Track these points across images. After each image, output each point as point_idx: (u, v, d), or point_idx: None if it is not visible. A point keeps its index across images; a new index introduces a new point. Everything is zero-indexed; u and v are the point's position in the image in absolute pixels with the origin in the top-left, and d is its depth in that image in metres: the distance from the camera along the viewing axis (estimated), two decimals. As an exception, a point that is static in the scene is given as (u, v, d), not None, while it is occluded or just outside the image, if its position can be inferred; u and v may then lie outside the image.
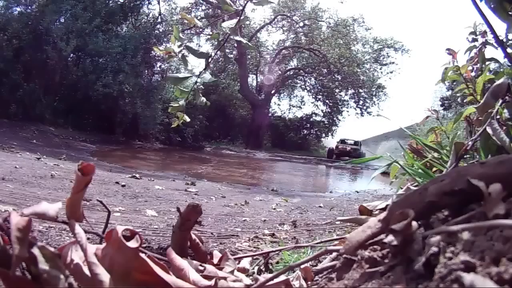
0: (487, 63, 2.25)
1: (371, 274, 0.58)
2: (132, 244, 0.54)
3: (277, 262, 1.58)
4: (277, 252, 1.55)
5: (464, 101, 2.43)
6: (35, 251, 0.55)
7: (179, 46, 1.65)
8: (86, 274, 0.54)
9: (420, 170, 1.92)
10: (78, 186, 0.56)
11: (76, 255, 0.56)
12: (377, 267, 0.59)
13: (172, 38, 1.67)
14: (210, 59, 1.63)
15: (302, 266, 0.75)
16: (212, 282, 0.64)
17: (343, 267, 0.67)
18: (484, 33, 2.38)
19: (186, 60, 1.69)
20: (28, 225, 0.54)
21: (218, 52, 1.72)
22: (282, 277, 0.69)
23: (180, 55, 1.65)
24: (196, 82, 1.65)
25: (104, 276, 0.51)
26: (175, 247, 0.87)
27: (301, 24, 29.35)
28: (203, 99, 1.71)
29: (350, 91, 31.60)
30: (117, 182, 5.19)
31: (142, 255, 0.54)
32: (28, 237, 0.56)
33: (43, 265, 0.56)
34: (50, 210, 0.57)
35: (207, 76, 1.66)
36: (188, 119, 1.82)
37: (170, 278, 0.53)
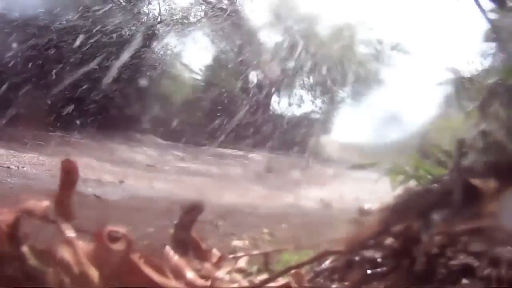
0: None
1: (372, 275, 0.58)
2: (119, 246, 0.53)
3: (278, 262, 1.56)
4: (277, 252, 1.53)
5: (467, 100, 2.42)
6: (24, 249, 0.54)
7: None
8: (76, 273, 0.52)
9: (424, 172, 1.89)
10: (64, 183, 0.55)
11: (66, 253, 0.55)
12: (378, 268, 0.58)
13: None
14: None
15: (293, 271, 0.74)
16: (208, 283, 0.63)
17: (344, 268, 0.66)
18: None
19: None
20: (17, 222, 0.53)
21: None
22: (281, 279, 0.68)
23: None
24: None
25: (93, 275, 0.50)
26: (175, 245, 0.86)
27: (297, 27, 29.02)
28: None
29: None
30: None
31: (134, 255, 0.53)
32: (17, 234, 0.54)
33: (33, 263, 0.55)
34: (38, 208, 0.56)
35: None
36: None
37: (159, 278, 0.52)
